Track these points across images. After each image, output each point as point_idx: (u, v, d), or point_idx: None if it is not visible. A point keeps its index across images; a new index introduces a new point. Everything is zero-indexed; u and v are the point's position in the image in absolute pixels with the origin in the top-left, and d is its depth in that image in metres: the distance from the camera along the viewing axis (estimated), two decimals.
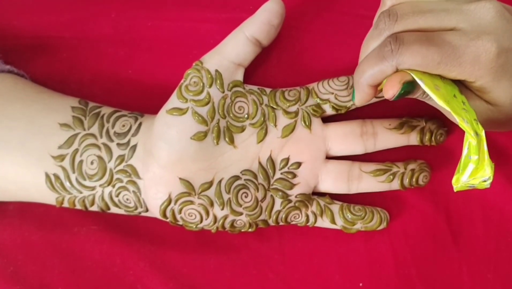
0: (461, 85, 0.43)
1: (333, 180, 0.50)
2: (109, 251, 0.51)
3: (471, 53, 0.39)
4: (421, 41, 0.40)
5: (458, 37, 0.40)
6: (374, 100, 0.49)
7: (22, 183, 0.47)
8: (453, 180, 0.41)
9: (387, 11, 0.42)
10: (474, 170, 0.40)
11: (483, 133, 0.39)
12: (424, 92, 0.41)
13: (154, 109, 0.49)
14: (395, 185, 0.50)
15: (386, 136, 0.50)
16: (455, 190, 0.42)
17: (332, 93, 0.49)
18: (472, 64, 0.40)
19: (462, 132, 0.51)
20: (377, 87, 0.43)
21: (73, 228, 0.52)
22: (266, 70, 0.53)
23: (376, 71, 0.41)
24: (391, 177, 0.50)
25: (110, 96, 0.53)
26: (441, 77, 0.41)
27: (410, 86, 0.40)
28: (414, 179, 0.50)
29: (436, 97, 0.39)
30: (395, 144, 0.50)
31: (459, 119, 0.39)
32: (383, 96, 0.47)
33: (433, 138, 0.50)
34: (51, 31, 0.55)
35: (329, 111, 0.50)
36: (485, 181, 0.40)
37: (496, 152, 0.52)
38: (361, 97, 0.44)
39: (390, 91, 0.40)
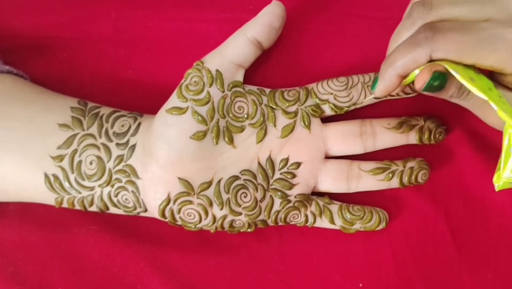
0: (496, 83, 0.42)
1: (333, 179, 0.50)
2: (109, 251, 0.51)
3: (508, 39, 0.39)
4: (457, 29, 0.39)
5: (494, 25, 0.40)
6: (370, 101, 0.50)
7: (21, 183, 0.47)
8: (494, 178, 0.41)
9: (421, 1, 0.42)
10: None
11: None
12: (459, 89, 0.41)
13: (154, 109, 0.49)
14: (394, 183, 0.50)
15: (385, 135, 0.50)
16: (496, 190, 0.41)
17: (332, 94, 0.49)
18: (509, 50, 0.39)
19: (461, 131, 0.51)
20: (402, 79, 0.43)
21: (73, 228, 0.52)
22: (266, 70, 0.53)
23: (409, 59, 0.41)
24: (390, 175, 0.50)
25: (110, 96, 0.53)
26: (475, 71, 0.41)
27: (442, 78, 0.40)
28: (413, 177, 0.50)
29: (473, 87, 0.38)
30: (394, 143, 0.50)
31: (498, 108, 0.38)
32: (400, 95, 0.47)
33: (432, 137, 0.50)
34: (51, 31, 0.55)
35: (328, 111, 0.50)
36: None
37: (495, 152, 0.52)
38: (384, 87, 0.43)
39: (421, 80, 0.40)
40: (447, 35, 0.39)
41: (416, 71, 0.41)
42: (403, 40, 0.42)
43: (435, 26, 0.40)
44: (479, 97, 0.39)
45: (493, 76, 0.42)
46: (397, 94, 0.50)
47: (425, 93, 0.42)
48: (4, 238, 0.51)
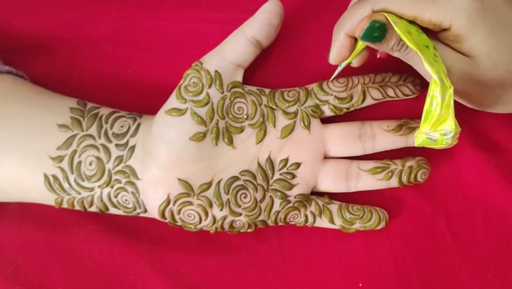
0: (438, 42, 0.44)
1: (332, 179, 0.50)
2: (109, 251, 0.51)
3: None
4: None
5: None
6: (370, 102, 0.50)
7: (21, 184, 0.48)
8: (415, 134, 0.41)
9: None
10: (436, 121, 0.40)
11: (451, 89, 0.39)
12: (399, 42, 0.42)
13: (154, 109, 0.49)
14: (394, 182, 0.50)
15: (384, 138, 0.50)
16: (415, 144, 0.41)
17: (331, 95, 0.49)
18: (446, 4, 0.41)
19: (462, 133, 0.51)
20: (353, 42, 0.44)
21: (73, 228, 0.52)
22: (266, 70, 0.53)
23: (354, 15, 0.43)
24: (390, 174, 0.50)
25: (110, 96, 0.53)
26: (417, 29, 0.42)
27: (382, 28, 0.41)
28: (412, 176, 0.50)
29: (407, 40, 0.39)
30: (394, 146, 0.50)
31: (425, 61, 0.39)
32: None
33: None
34: (51, 31, 0.55)
35: (327, 112, 0.50)
36: (445, 134, 0.40)
37: (495, 151, 0.52)
38: (336, 49, 0.45)
39: (359, 27, 0.41)
40: None
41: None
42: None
43: None
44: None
45: (436, 37, 0.43)
46: (396, 95, 0.50)
47: (366, 43, 0.42)
48: (4, 238, 0.51)
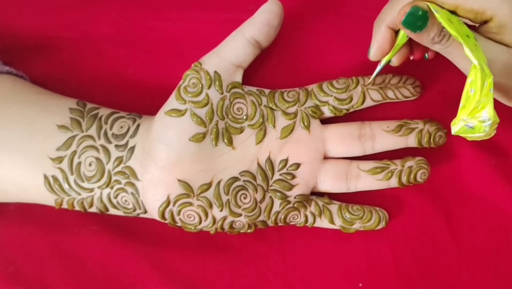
0: (480, 35, 0.43)
1: (332, 179, 0.50)
2: (109, 251, 0.51)
3: None
4: None
5: None
6: (369, 104, 0.50)
7: (21, 184, 0.48)
8: (452, 121, 0.41)
9: None
10: (475, 108, 0.39)
11: (491, 78, 0.39)
12: (440, 32, 0.41)
13: (154, 109, 0.49)
14: (393, 182, 0.50)
15: (384, 138, 0.50)
16: (452, 132, 0.41)
17: (331, 96, 0.49)
18: None
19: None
20: (394, 34, 0.44)
21: (73, 228, 0.52)
22: (266, 70, 0.53)
23: (395, 6, 0.43)
24: (389, 174, 0.50)
25: (110, 96, 0.53)
26: (458, 20, 0.42)
27: (423, 15, 0.40)
28: (412, 176, 0.50)
29: (448, 27, 0.39)
30: (393, 146, 0.50)
31: (466, 47, 0.39)
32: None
33: (431, 140, 0.50)
34: (51, 31, 0.55)
35: (327, 113, 0.50)
36: (483, 121, 0.40)
37: (495, 152, 0.52)
38: (377, 44, 0.45)
39: (402, 12, 0.41)
40: None
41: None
42: None
43: None
44: (459, 47, 0.40)
45: (477, 30, 0.43)
46: (396, 97, 0.50)
47: (407, 31, 0.42)
48: (4, 238, 0.51)
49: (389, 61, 0.47)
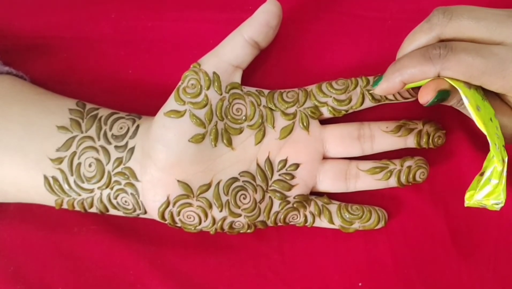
0: (499, 101, 0.45)
1: (331, 179, 0.50)
2: (109, 251, 0.51)
3: None
4: (469, 50, 0.41)
5: (505, 51, 0.41)
6: (368, 105, 0.50)
7: (21, 185, 0.48)
8: (467, 196, 0.43)
9: (443, 9, 0.43)
10: (490, 192, 0.42)
11: (506, 159, 0.41)
12: (458, 101, 0.43)
13: (154, 109, 0.49)
14: (393, 182, 0.50)
15: (383, 139, 0.50)
16: (465, 205, 0.43)
17: (330, 96, 0.49)
18: None
19: (461, 132, 0.51)
20: (405, 85, 0.44)
21: (73, 228, 0.52)
22: (266, 70, 0.53)
23: (417, 70, 0.42)
24: (388, 174, 0.50)
25: (110, 96, 0.53)
26: (482, 96, 0.43)
27: (446, 94, 0.42)
28: (411, 176, 0.50)
29: (477, 118, 0.40)
30: (392, 147, 0.50)
31: (492, 145, 0.40)
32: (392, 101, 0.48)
33: (430, 141, 0.49)
34: (51, 31, 0.55)
35: (326, 114, 0.50)
36: (496, 204, 0.42)
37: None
38: (386, 88, 0.44)
39: (425, 97, 0.42)
40: (458, 55, 0.40)
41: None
42: (417, 42, 0.43)
43: (449, 45, 0.41)
44: None
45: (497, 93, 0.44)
46: (395, 98, 0.50)
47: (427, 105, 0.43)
48: (4, 238, 0.52)
49: None
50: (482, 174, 0.43)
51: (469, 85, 0.42)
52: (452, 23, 0.42)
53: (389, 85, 0.44)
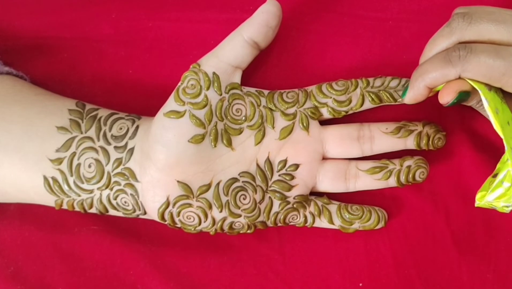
0: None
1: (331, 179, 0.50)
2: (109, 251, 0.51)
3: None
4: (489, 52, 0.41)
5: None
6: (368, 106, 0.50)
7: (20, 185, 0.48)
8: (478, 196, 0.44)
9: (463, 13, 0.43)
10: (501, 194, 0.42)
11: None
12: (478, 102, 0.44)
13: (154, 109, 0.49)
14: (392, 182, 0.50)
15: (383, 140, 0.50)
16: (476, 206, 0.44)
17: (330, 97, 0.49)
18: None
19: (461, 132, 0.51)
20: (431, 89, 0.44)
21: (74, 228, 0.52)
22: (266, 70, 0.53)
23: (439, 74, 0.42)
24: (388, 174, 0.50)
25: (110, 96, 0.53)
26: (502, 98, 0.43)
27: (465, 95, 0.42)
28: (410, 176, 0.50)
29: (495, 121, 0.41)
30: (392, 148, 0.50)
31: (508, 148, 0.41)
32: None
33: (430, 143, 0.49)
34: (51, 31, 0.55)
35: (326, 115, 0.50)
36: (507, 206, 0.42)
37: (495, 152, 0.52)
38: (414, 96, 0.45)
39: (446, 98, 0.42)
40: (479, 57, 0.41)
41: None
42: (438, 47, 0.44)
43: (469, 46, 0.41)
44: None
45: None
46: (395, 100, 0.50)
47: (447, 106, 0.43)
48: (4, 238, 0.52)
49: None
50: (495, 176, 0.43)
51: (489, 86, 0.42)
52: (472, 26, 0.42)
53: (415, 92, 0.44)
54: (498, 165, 0.43)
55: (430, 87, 0.43)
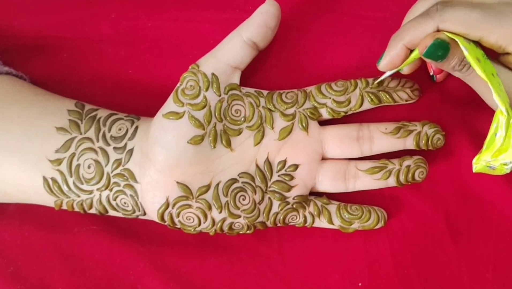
0: (500, 65, 0.44)
1: (330, 180, 0.50)
2: (109, 251, 0.51)
3: None
4: (466, 4, 0.42)
5: (503, 5, 0.42)
6: (367, 106, 0.50)
7: (20, 186, 0.48)
8: (474, 159, 0.43)
9: None
10: (498, 150, 0.41)
11: None
12: (461, 61, 0.42)
13: (154, 109, 0.49)
14: (392, 182, 0.50)
15: (382, 140, 0.50)
16: (473, 170, 0.43)
17: (329, 98, 0.49)
18: None
19: (461, 132, 0.51)
20: (408, 52, 0.44)
21: (73, 228, 0.52)
22: (265, 71, 0.53)
23: (417, 29, 0.43)
24: (387, 174, 0.50)
25: (110, 96, 0.53)
26: (483, 54, 0.43)
27: (445, 47, 0.42)
28: (410, 175, 0.50)
29: (478, 68, 0.40)
30: (391, 148, 0.50)
31: (495, 93, 0.40)
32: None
33: (429, 143, 0.49)
34: (51, 31, 0.55)
35: (325, 115, 0.50)
36: (505, 164, 0.41)
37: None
38: (390, 58, 0.45)
39: (423, 44, 0.42)
40: (456, 8, 0.42)
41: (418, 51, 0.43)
42: (418, 11, 0.45)
43: (447, 1, 0.42)
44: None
45: (497, 58, 0.44)
46: (394, 100, 0.50)
47: (428, 61, 0.43)
48: (4, 238, 0.52)
49: (399, 70, 0.47)
50: None
51: (468, 40, 0.42)
52: None
53: (391, 53, 0.45)
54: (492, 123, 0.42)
55: (408, 45, 0.44)
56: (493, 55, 0.44)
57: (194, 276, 0.51)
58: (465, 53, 0.40)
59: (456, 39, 0.41)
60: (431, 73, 0.48)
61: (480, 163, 0.42)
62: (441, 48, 0.42)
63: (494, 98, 0.40)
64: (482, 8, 0.42)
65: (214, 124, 0.47)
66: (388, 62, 0.45)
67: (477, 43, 0.43)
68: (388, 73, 0.48)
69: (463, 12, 0.41)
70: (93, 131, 0.48)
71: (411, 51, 0.45)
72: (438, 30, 0.43)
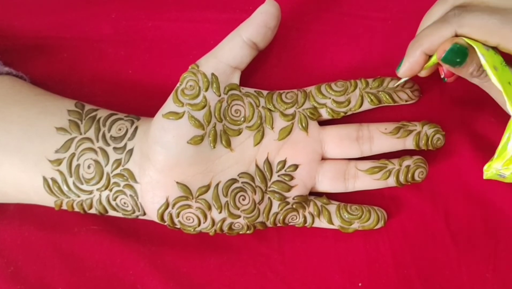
0: None
1: (330, 180, 0.50)
2: (109, 251, 0.51)
3: None
4: (484, 9, 0.42)
5: None
6: (367, 107, 0.50)
7: (20, 186, 0.48)
8: (485, 167, 0.43)
9: None
10: (509, 159, 0.41)
11: None
12: (479, 68, 0.42)
13: (154, 109, 0.49)
14: (391, 182, 0.50)
15: (382, 140, 0.50)
16: (484, 177, 0.43)
17: (329, 98, 0.49)
18: None
19: (461, 132, 0.51)
20: (427, 58, 0.44)
21: (73, 228, 0.52)
22: (265, 71, 0.53)
23: (435, 35, 0.43)
24: (387, 174, 0.50)
25: (110, 96, 0.54)
26: (502, 61, 0.43)
27: (463, 53, 0.42)
28: (409, 175, 0.50)
29: (495, 76, 0.40)
30: (391, 148, 0.50)
31: (509, 102, 0.40)
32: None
33: (429, 143, 0.49)
34: (51, 31, 0.55)
35: (325, 115, 0.50)
36: None
37: (494, 151, 0.52)
38: (410, 66, 0.45)
39: (441, 49, 0.42)
40: (474, 13, 0.41)
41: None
42: (434, 16, 0.45)
43: (464, 6, 0.42)
44: None
45: None
46: (394, 100, 0.50)
47: (446, 66, 0.43)
48: (4, 238, 0.52)
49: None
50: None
51: (487, 47, 0.42)
52: None
53: (410, 60, 0.45)
54: (505, 132, 0.43)
55: (426, 52, 0.44)
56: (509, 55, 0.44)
57: (194, 276, 0.51)
58: (483, 61, 0.40)
59: (475, 46, 0.41)
60: (442, 76, 0.48)
61: (491, 170, 0.43)
62: (460, 54, 0.42)
63: (508, 108, 0.40)
64: (500, 14, 0.41)
65: (214, 124, 0.47)
66: (407, 69, 0.45)
67: (496, 49, 0.43)
68: (404, 79, 0.48)
69: (481, 17, 0.41)
70: (93, 131, 0.48)
71: (430, 56, 0.45)
72: (456, 35, 0.42)
